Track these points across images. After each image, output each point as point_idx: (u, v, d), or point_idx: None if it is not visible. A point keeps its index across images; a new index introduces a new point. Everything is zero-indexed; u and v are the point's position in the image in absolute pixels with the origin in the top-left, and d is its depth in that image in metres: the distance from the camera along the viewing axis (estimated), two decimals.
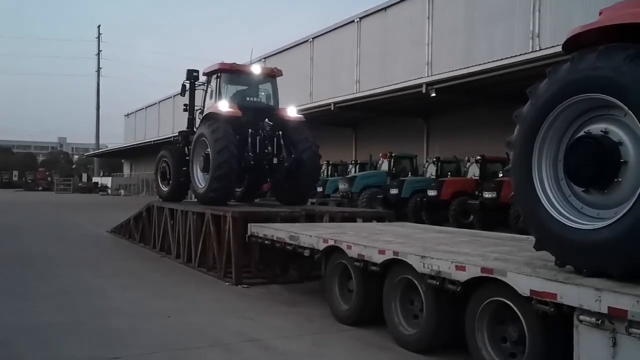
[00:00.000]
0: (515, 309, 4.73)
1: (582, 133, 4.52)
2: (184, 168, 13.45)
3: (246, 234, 9.61)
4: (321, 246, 7.51)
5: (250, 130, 12.13)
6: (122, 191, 59.63)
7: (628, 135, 4.20)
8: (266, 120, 12.32)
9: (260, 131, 12.30)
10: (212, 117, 11.95)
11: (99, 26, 74.38)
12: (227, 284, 9.70)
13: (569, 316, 4.15)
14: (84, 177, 76.84)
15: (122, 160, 76.40)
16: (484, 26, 23.03)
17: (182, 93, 14.08)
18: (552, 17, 20.01)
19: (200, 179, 12.41)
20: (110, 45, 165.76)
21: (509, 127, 5.10)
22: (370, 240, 7.20)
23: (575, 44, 4.64)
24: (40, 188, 66.98)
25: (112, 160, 79.51)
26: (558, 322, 4.31)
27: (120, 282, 9.91)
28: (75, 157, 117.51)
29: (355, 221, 10.90)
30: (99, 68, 73.77)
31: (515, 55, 17.20)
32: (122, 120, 76.18)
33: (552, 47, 14.70)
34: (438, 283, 5.42)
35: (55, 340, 6.32)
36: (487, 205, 17.91)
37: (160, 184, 14.74)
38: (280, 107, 12.97)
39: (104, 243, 15.95)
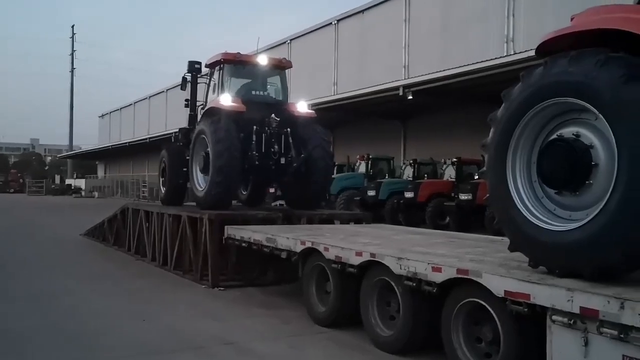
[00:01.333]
0: (490, 309, 4.78)
1: (554, 136, 4.60)
2: (183, 169, 12.34)
3: (223, 236, 9.56)
4: (298, 248, 7.50)
5: (255, 127, 10.98)
6: (96, 193, 58.72)
7: (599, 138, 4.29)
8: (272, 115, 11.12)
9: (267, 128, 11.14)
10: (213, 113, 10.97)
11: (72, 26, 73.38)
12: (204, 286, 9.63)
13: (542, 316, 4.22)
14: (57, 179, 75.51)
15: (96, 162, 75.35)
16: (460, 30, 23.30)
17: (183, 87, 12.91)
18: (526, 21, 20.32)
19: (199, 181, 11.35)
20: (85, 45, 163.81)
21: (484, 129, 5.16)
22: (348, 242, 7.22)
23: (548, 48, 4.72)
24: (12, 190, 65.66)
25: (86, 161, 78.36)
26: (532, 322, 4.38)
27: (94, 285, 9.76)
28: (48, 158, 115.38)
29: (333, 223, 10.92)
30: (72, 68, 72.76)
31: (491, 59, 17.43)
32: (96, 121, 75.16)
33: (526, 51, 14.94)
34: (414, 284, 5.46)
35: (27, 343, 6.21)
36: (463, 207, 18.11)
37: (160, 186, 13.76)
38: (289, 101, 12.00)
39: (77, 246, 15.70)
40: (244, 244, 9.01)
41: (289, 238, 7.81)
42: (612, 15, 4.40)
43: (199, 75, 12.90)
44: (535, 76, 4.62)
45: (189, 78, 12.88)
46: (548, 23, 17.63)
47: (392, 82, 21.74)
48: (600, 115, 4.14)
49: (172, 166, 12.77)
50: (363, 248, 6.49)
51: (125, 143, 49.23)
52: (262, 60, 11.80)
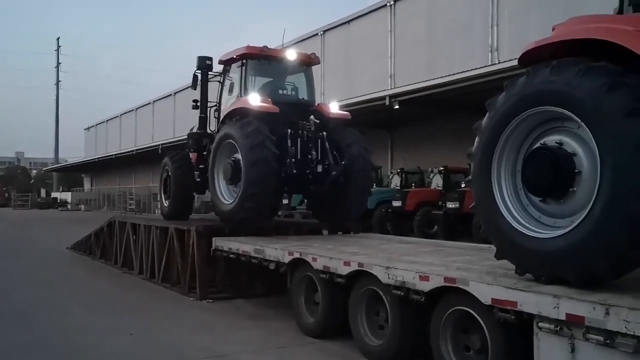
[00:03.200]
0: (477, 317, 4.81)
1: (538, 145, 4.65)
2: (192, 179, 11.18)
3: (211, 248, 9.52)
4: (287, 259, 7.49)
5: (290, 131, 9.65)
6: (82, 206, 58.19)
7: (582, 146, 4.35)
8: (312, 117, 9.83)
9: (302, 132, 9.80)
10: (240, 114, 9.59)
11: (58, 38, 73.04)
12: (192, 299, 9.57)
13: (529, 323, 4.25)
14: (43, 192, 74.77)
15: (83, 175, 74.72)
16: (445, 40, 23.51)
17: (194, 86, 11.38)
18: (509, 31, 20.57)
19: (224, 193, 9.86)
20: (71, 58, 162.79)
21: (470, 138, 5.21)
22: (336, 252, 7.22)
23: (531, 58, 4.79)
24: None
25: (72, 174, 77.70)
26: (519, 329, 4.40)
27: (81, 300, 9.66)
28: (34, 172, 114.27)
29: (322, 233, 10.90)
30: (58, 81, 72.31)
31: (475, 69, 17.60)
32: (82, 134, 74.65)
33: (510, 60, 15.11)
34: (403, 293, 5.47)
35: None
36: (450, 216, 18.17)
37: (162, 199, 12.35)
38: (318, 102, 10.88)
39: (63, 260, 15.53)
40: (232, 256, 8.98)
41: (277, 249, 7.80)
42: (593, 25, 4.48)
43: (209, 73, 11.49)
44: (518, 85, 4.68)
45: (199, 76, 11.39)
46: (531, 33, 17.87)
47: (379, 92, 21.87)
48: (583, 124, 4.20)
49: (178, 176, 11.44)
50: (351, 258, 6.50)
51: (112, 155, 48.92)
52: (291, 55, 10.48)
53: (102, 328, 7.66)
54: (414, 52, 25.08)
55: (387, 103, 20.08)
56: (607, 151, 3.99)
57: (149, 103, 49.44)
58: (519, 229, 4.63)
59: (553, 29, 4.74)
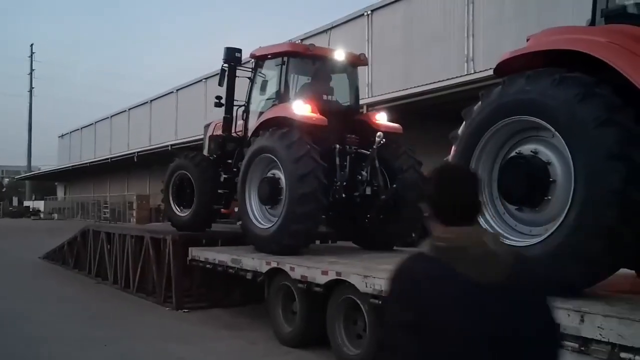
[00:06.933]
0: None
1: (513, 154, 4.71)
2: (216, 187, 9.73)
3: (187, 257, 9.41)
4: (264, 269, 7.44)
5: (337, 147, 8.36)
6: (55, 215, 57.16)
7: (556, 155, 4.41)
8: (379, 134, 8.29)
9: (350, 147, 8.50)
10: (280, 124, 8.12)
11: (31, 45, 71.92)
12: (168, 308, 9.44)
13: None
14: (15, 200, 73.28)
15: (56, 183, 73.44)
16: (422, 49, 23.74)
17: (221, 82, 9.66)
18: (485, 41, 20.88)
19: (257, 215, 8.41)
20: (45, 64, 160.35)
21: (446, 147, 5.24)
22: (314, 261, 7.19)
23: (506, 68, 4.85)
24: None
25: (45, 183, 76.32)
26: None
27: (54, 310, 9.46)
28: (6, 180, 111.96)
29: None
30: (31, 87, 71.13)
31: (451, 78, 17.80)
32: (55, 141, 73.44)
33: (485, 70, 15.31)
34: (380, 302, 5.47)
35: None
36: (428, 224, 18.21)
37: (174, 207, 10.55)
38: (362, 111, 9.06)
39: (36, 269, 15.19)
40: (208, 266, 8.89)
41: (254, 258, 7.74)
42: (566, 37, 4.56)
43: (238, 67, 9.83)
44: (494, 95, 4.74)
45: (227, 71, 9.72)
46: (506, 43, 18.16)
47: None
48: (557, 133, 4.27)
49: (204, 180, 9.86)
50: (329, 267, 6.48)
51: (86, 163, 48.19)
52: (339, 55, 8.99)
53: (73, 338, 7.50)
54: (392, 61, 25.27)
55: (365, 112, 20.15)
56: (581, 160, 4.06)
57: (124, 111, 48.93)
58: None
59: (527, 40, 4.82)
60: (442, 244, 1.86)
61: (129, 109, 45.94)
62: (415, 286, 1.82)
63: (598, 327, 3.64)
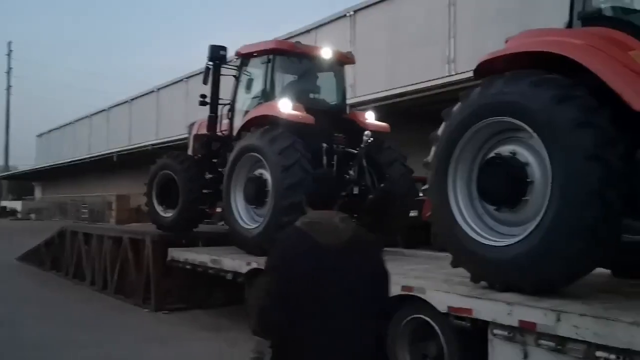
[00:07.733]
0: (434, 325, 4.83)
1: (492, 154, 4.74)
2: (202, 187, 9.64)
3: (166, 258, 9.32)
4: (244, 269, 7.40)
5: (324, 145, 8.27)
6: (33, 215, 56.29)
7: (534, 156, 4.44)
8: (367, 132, 8.25)
9: (338, 146, 8.44)
10: (267, 122, 8.03)
11: (9, 42, 70.78)
12: (147, 310, 9.35)
13: (484, 330, 4.30)
14: None
15: (34, 183, 72.35)
16: (405, 51, 23.80)
17: (205, 80, 9.50)
18: (466, 43, 21.02)
19: (243, 216, 8.29)
20: (23, 63, 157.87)
21: (427, 147, 5.26)
22: None
23: (486, 70, 4.89)
24: None
25: (22, 183, 75.15)
26: (475, 336, 4.45)
27: (30, 312, 9.29)
28: None
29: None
30: (9, 86, 69.95)
31: (433, 79, 17.90)
32: (34, 140, 72.35)
33: (466, 72, 15.42)
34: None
35: None
36: (410, 224, 18.27)
37: (156, 207, 10.32)
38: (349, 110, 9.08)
39: (11, 271, 14.92)
40: (188, 267, 8.81)
41: (235, 259, 7.69)
42: (543, 39, 4.61)
43: (223, 65, 9.64)
44: (473, 96, 4.76)
45: (212, 68, 9.58)
46: (488, 45, 18.30)
47: None
48: (535, 134, 4.30)
49: (188, 179, 9.74)
50: None
51: (65, 163, 47.55)
52: (326, 53, 8.93)
53: (51, 342, 7.37)
54: (375, 62, 25.34)
55: (348, 112, 20.18)
56: (558, 161, 4.10)
57: (104, 110, 48.43)
58: (474, 237, 4.69)
59: (506, 42, 4.85)
60: (307, 220, 2.84)
61: (109, 108, 45.43)
62: (286, 244, 2.85)
63: (574, 326, 3.67)
